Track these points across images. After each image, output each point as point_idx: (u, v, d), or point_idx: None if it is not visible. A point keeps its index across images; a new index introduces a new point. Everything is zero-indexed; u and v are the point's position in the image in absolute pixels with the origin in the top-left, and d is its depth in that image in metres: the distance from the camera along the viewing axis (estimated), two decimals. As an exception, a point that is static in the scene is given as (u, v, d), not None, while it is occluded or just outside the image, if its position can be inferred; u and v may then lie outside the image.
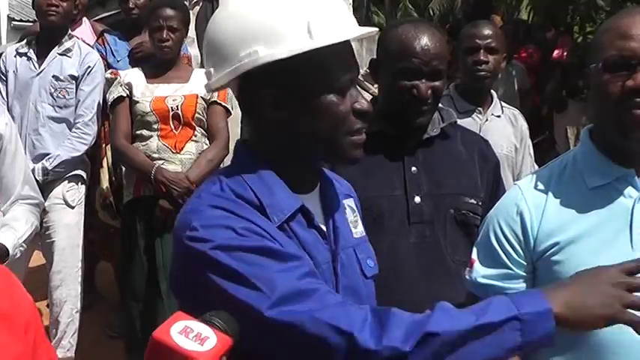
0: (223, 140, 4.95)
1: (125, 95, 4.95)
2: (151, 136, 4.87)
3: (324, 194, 1.99)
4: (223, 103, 4.97)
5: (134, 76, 5.03)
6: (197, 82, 4.82)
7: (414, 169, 2.94)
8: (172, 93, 4.91)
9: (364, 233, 2.09)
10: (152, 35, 5.00)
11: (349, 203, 2.10)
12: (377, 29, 1.89)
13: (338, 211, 1.99)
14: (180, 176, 4.71)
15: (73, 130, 5.35)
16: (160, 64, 5.07)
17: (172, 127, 4.87)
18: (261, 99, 1.85)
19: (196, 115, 4.89)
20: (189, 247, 1.74)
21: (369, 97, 3.88)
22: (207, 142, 4.96)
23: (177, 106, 4.84)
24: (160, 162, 4.80)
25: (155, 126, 4.86)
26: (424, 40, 2.86)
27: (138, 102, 4.89)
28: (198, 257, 1.72)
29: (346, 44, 1.84)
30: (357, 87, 1.89)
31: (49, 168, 5.20)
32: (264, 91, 1.84)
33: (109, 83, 5.14)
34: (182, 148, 4.86)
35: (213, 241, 1.71)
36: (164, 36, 4.92)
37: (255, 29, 1.81)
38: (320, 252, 1.87)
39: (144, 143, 4.87)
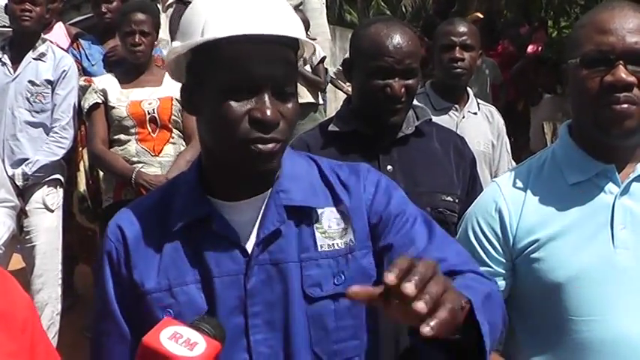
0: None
1: (100, 102, 4.99)
2: (129, 140, 4.92)
3: (269, 203, 1.84)
4: None
5: (108, 81, 5.06)
6: (170, 85, 4.86)
7: (389, 167, 2.94)
8: (147, 97, 4.95)
9: (350, 244, 1.87)
10: (124, 39, 5.04)
11: (340, 209, 1.89)
12: (262, 32, 1.69)
13: (285, 223, 1.83)
14: (161, 178, 4.71)
15: (51, 134, 5.35)
16: (132, 69, 5.11)
17: (150, 130, 4.92)
18: (182, 96, 1.87)
19: (172, 117, 4.94)
20: None
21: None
22: (185, 143, 4.99)
23: (153, 110, 4.88)
24: (140, 165, 4.85)
25: (132, 130, 4.91)
26: (397, 39, 2.86)
27: (114, 107, 4.94)
28: None
29: (244, 47, 1.69)
30: (266, 96, 1.71)
31: (29, 173, 5.22)
32: (183, 89, 1.86)
33: (82, 90, 5.17)
34: (161, 151, 4.91)
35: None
36: (136, 40, 4.98)
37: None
38: (223, 264, 1.79)
39: (122, 148, 4.92)
